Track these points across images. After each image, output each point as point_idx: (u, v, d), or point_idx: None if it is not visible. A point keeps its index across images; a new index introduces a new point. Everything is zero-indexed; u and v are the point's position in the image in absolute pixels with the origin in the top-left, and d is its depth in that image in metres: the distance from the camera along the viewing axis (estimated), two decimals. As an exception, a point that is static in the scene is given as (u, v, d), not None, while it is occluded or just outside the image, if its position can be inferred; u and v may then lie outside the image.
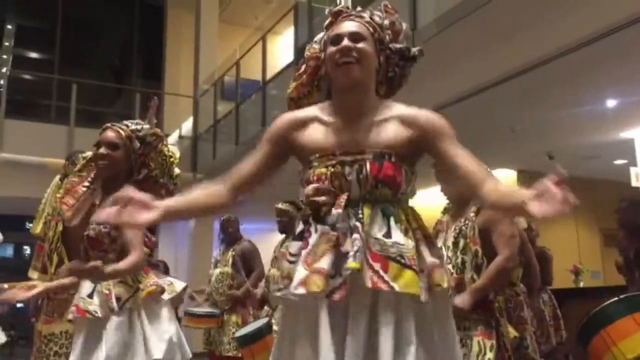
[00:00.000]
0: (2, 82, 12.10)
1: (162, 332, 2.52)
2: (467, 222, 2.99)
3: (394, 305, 1.56)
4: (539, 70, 4.97)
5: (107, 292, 2.48)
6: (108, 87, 13.82)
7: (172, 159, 2.89)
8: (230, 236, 5.52)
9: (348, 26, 1.74)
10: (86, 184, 2.83)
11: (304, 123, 1.78)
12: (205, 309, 5.39)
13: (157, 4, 13.54)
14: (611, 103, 5.91)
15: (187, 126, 12.26)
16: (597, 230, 9.07)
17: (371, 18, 1.79)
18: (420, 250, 1.64)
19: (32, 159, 9.64)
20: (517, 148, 7.48)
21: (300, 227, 1.72)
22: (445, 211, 3.23)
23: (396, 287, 1.54)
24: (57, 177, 3.28)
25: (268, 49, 9.19)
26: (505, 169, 8.59)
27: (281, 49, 9.51)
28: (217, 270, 5.41)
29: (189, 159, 11.32)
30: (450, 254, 2.96)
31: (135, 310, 2.50)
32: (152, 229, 2.80)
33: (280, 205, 4.84)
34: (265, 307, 4.89)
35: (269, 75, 8.97)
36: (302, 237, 1.68)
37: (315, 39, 1.93)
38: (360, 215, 1.61)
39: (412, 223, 1.68)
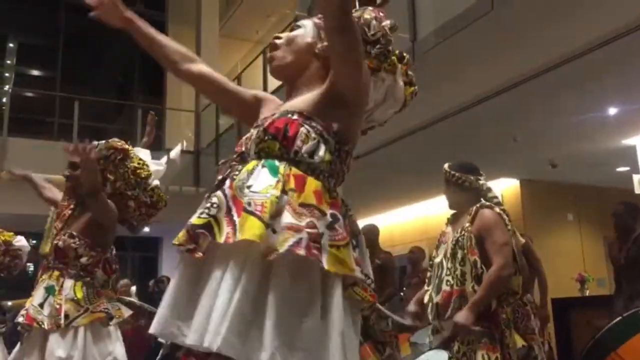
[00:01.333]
0: (4, 99, 12.14)
1: (106, 353, 2.58)
2: (463, 232, 2.97)
3: (241, 264, 1.41)
4: (540, 79, 4.97)
5: (57, 306, 2.54)
6: (110, 104, 13.86)
7: (138, 171, 2.89)
8: None
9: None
10: (72, 206, 2.90)
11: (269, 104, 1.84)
12: None
13: (158, 20, 13.61)
14: (613, 111, 5.90)
15: (189, 141, 12.29)
16: (601, 237, 9.02)
17: (311, 19, 1.86)
18: (284, 209, 1.45)
19: (34, 176, 9.66)
20: (519, 157, 7.47)
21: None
22: (449, 221, 3.23)
23: (238, 236, 1.41)
24: (61, 195, 3.32)
25: (267, 63, 9.22)
26: (508, 178, 8.58)
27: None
28: None
29: (191, 173, 11.34)
30: (449, 265, 2.95)
31: (80, 328, 2.55)
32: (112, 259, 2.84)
33: None
34: None
35: (270, 88, 9.00)
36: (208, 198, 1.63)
37: None
38: (237, 171, 1.55)
39: (291, 183, 1.50)
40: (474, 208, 3.02)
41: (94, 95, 13.15)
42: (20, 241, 4.95)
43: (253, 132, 1.63)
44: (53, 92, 12.33)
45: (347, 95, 1.60)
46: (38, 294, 2.60)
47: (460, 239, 2.97)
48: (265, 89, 9.00)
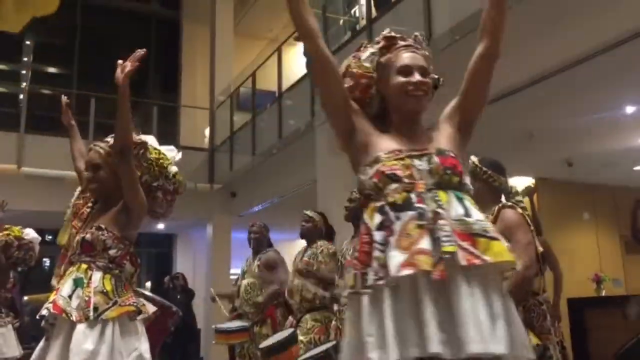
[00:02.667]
0: (21, 97, 12.26)
1: (132, 348, 2.55)
2: None
3: (483, 280, 1.66)
4: (557, 78, 4.94)
5: (86, 298, 2.51)
6: (125, 101, 13.93)
7: (160, 161, 2.90)
8: (255, 244, 5.41)
9: (415, 60, 1.98)
10: (90, 204, 2.92)
11: (363, 121, 1.96)
12: (236, 324, 5.22)
13: (173, 19, 13.67)
14: (630, 109, 5.86)
15: (206, 137, 12.34)
16: (617, 237, 8.96)
17: (424, 49, 2.05)
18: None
19: (51, 173, 9.76)
20: (535, 155, 7.42)
21: (378, 218, 1.77)
22: None
23: (488, 259, 1.65)
24: (79, 188, 3.32)
25: (283, 60, 9.23)
26: (523, 177, 8.53)
27: (296, 60, 9.55)
28: (245, 282, 5.31)
29: (206, 171, 11.38)
30: None
31: (109, 322, 2.52)
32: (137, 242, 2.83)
33: (307, 212, 4.93)
34: (290, 318, 4.85)
35: (284, 86, 9.01)
36: (384, 226, 1.74)
37: (362, 57, 2.03)
38: (440, 201, 1.74)
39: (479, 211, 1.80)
40: (497, 207, 3.02)
41: (109, 92, 13.20)
42: (30, 234, 5.04)
43: (415, 162, 1.81)
44: (69, 90, 12.42)
45: (473, 126, 2.05)
46: (66, 286, 2.57)
47: None
48: (279, 87, 9.02)
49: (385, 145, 1.87)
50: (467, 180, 1.85)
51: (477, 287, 1.64)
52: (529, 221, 3.00)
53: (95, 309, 2.50)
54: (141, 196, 2.69)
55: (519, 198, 3.15)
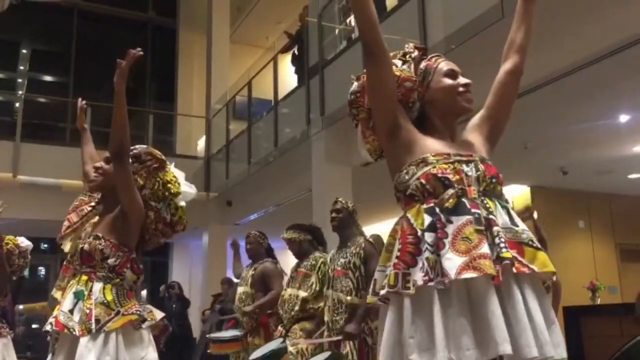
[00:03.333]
0: (17, 105, 12.25)
1: (137, 358, 2.50)
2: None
3: (532, 286, 1.72)
4: (551, 87, 4.96)
5: (87, 311, 2.46)
6: (122, 109, 13.94)
7: (169, 185, 2.78)
8: (249, 254, 5.39)
9: (454, 66, 2.06)
10: (93, 204, 2.86)
11: (407, 120, 1.97)
12: (229, 333, 5.24)
13: (170, 27, 13.71)
14: (625, 118, 5.89)
15: (200, 146, 12.34)
16: (613, 245, 8.98)
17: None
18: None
19: (47, 181, 9.75)
20: (530, 164, 7.45)
21: (427, 219, 1.76)
22: None
23: (536, 268, 1.70)
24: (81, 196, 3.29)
25: (279, 69, 9.26)
26: (518, 185, 8.56)
27: (292, 69, 9.58)
28: (240, 290, 5.30)
29: (202, 179, 11.38)
30: None
31: (112, 333, 2.47)
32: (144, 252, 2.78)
33: (285, 235, 4.82)
34: (279, 328, 4.84)
35: (280, 94, 9.03)
36: (435, 228, 1.74)
37: (399, 64, 2.06)
38: (490, 208, 1.77)
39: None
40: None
41: (105, 101, 13.23)
42: (24, 241, 5.06)
43: (463, 167, 1.83)
44: (66, 98, 12.42)
45: (495, 137, 2.08)
46: (67, 300, 2.52)
47: None
48: (275, 95, 9.04)
49: (433, 147, 1.88)
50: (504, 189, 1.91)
51: (530, 294, 1.70)
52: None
53: (97, 321, 2.45)
54: (138, 201, 2.62)
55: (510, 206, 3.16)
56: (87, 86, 13.37)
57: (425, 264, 1.69)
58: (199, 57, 12.69)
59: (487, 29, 4.88)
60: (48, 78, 14.74)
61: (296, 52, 8.90)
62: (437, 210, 1.76)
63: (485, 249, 1.66)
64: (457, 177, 1.80)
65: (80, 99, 3.46)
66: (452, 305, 1.65)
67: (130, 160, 2.67)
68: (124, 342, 2.48)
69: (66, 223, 2.80)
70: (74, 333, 2.42)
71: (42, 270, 14.10)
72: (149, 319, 2.59)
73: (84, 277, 2.57)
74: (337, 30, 8.31)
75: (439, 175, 1.80)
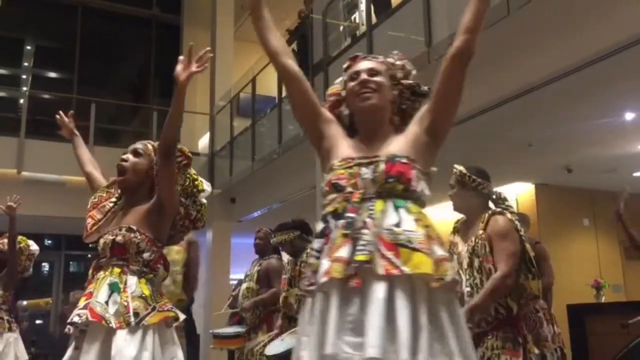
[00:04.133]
0: (22, 101, 12.27)
1: (170, 356, 2.47)
2: (478, 240, 2.98)
3: (409, 291, 1.68)
4: (556, 84, 4.94)
5: (125, 304, 2.41)
6: (126, 106, 13.96)
7: (196, 182, 2.82)
8: (257, 249, 5.39)
9: (365, 64, 2.02)
10: (113, 199, 2.79)
11: (334, 129, 2.03)
12: (233, 329, 5.24)
13: (174, 23, 13.70)
14: (630, 116, 5.87)
15: (203, 143, 12.34)
16: (617, 243, 8.95)
17: (385, 58, 2.06)
18: (430, 242, 1.75)
19: (51, 178, 9.76)
20: (534, 162, 7.43)
21: (320, 225, 1.86)
22: (455, 230, 3.23)
23: (406, 269, 1.67)
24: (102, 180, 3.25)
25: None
26: (523, 183, 8.54)
27: (296, 66, 9.55)
28: (244, 286, 5.29)
29: (205, 176, 11.36)
30: (467, 276, 2.96)
31: (149, 328, 2.42)
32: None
33: (275, 240, 4.93)
34: (279, 321, 4.83)
35: (284, 91, 9.02)
36: (324, 234, 1.83)
37: (337, 80, 2.17)
38: (372, 210, 1.77)
39: (424, 220, 1.80)
40: (487, 214, 3.03)
41: (109, 97, 13.25)
42: (34, 245, 5.13)
43: (361, 170, 1.84)
44: (70, 94, 12.43)
45: (440, 137, 1.95)
46: (102, 291, 2.43)
47: (475, 247, 2.97)
48: (279, 92, 9.03)
49: (342, 153, 1.94)
50: (420, 186, 1.85)
51: (401, 296, 1.67)
52: (518, 227, 3.00)
53: (136, 314, 2.39)
54: (176, 197, 2.63)
55: (508, 203, 3.16)
56: (91, 83, 13.39)
57: (309, 270, 1.82)
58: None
59: (492, 26, 4.87)
60: (52, 75, 14.77)
61: (295, 48, 8.87)
62: (329, 217, 1.84)
63: (342, 252, 1.73)
64: (353, 181, 1.84)
65: (66, 115, 3.40)
66: (327, 307, 1.73)
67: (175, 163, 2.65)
68: (159, 339, 2.44)
69: (90, 221, 2.71)
70: (110, 325, 2.35)
71: (45, 267, 14.14)
72: (180, 318, 2.56)
73: (117, 270, 2.50)
74: (341, 27, 8.30)
75: (334, 181, 1.87)
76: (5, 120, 12.14)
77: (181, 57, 2.58)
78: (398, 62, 2.07)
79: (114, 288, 2.44)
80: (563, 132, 6.28)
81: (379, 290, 1.66)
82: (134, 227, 2.53)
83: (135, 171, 2.68)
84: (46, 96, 13.08)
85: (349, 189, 1.83)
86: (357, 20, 7.97)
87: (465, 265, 2.98)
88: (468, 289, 2.93)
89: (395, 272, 1.67)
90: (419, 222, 1.78)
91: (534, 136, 6.42)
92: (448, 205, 3.29)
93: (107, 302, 2.41)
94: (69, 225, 11.16)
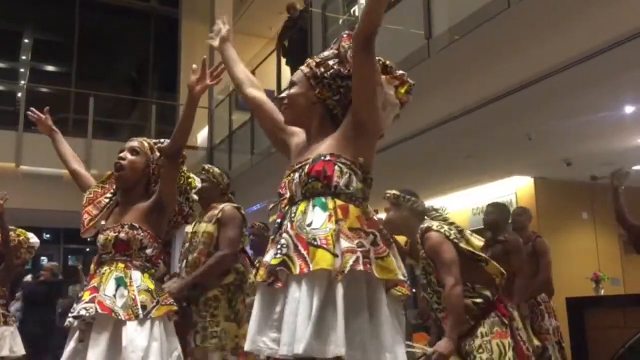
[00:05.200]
0: (20, 95, 12.25)
1: (173, 347, 2.58)
2: (422, 261, 3.11)
3: (316, 285, 1.75)
4: (555, 77, 4.93)
5: (132, 297, 2.50)
6: (124, 99, 13.93)
7: (189, 179, 2.90)
8: (253, 245, 5.38)
9: (293, 76, 2.12)
10: (109, 195, 2.84)
11: (295, 141, 2.13)
12: None
13: (172, 16, 13.66)
14: (629, 109, 5.85)
15: (202, 136, 12.32)
16: (616, 236, 8.95)
17: (312, 59, 2.09)
18: (339, 237, 1.80)
19: (50, 171, 9.75)
20: (534, 155, 7.41)
21: (271, 232, 2.01)
22: (407, 253, 3.50)
23: (312, 267, 1.75)
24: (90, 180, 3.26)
25: (282, 59, 9.22)
26: (522, 176, 8.53)
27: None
28: None
29: (204, 170, 11.36)
30: (430, 295, 3.11)
31: (155, 320, 2.52)
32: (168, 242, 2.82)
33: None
34: None
35: (283, 84, 9.00)
36: (273, 240, 1.95)
37: None
38: (294, 213, 1.88)
39: (339, 214, 1.84)
40: (419, 232, 3.13)
41: (108, 91, 13.22)
42: (34, 238, 5.12)
43: (294, 176, 1.95)
44: (68, 88, 12.41)
45: (367, 124, 1.93)
46: (109, 285, 2.51)
47: (425, 267, 3.10)
48: (279, 84, 9.02)
49: (290, 162, 2.06)
50: (345, 179, 1.88)
51: (309, 294, 1.75)
52: (447, 234, 3.05)
53: (143, 307, 2.49)
54: (175, 196, 2.74)
55: (440, 212, 3.27)
56: (89, 76, 13.36)
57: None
58: (201, 47, 12.59)
59: (492, 19, 4.85)
60: (50, 68, 14.74)
61: (286, 44, 8.85)
62: (275, 223, 1.97)
63: (266, 257, 1.89)
64: (289, 187, 1.97)
65: (45, 110, 3.35)
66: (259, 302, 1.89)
67: (158, 154, 2.75)
68: (164, 331, 2.55)
69: (86, 216, 2.77)
70: (119, 317, 2.43)
71: (44, 260, 14.15)
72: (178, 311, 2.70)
73: (121, 265, 2.59)
74: (340, 20, 8.28)
75: (277, 190, 2.01)
76: (4, 114, 12.13)
77: (194, 66, 2.66)
78: (329, 52, 2.09)
79: (120, 282, 2.53)
80: (562, 126, 6.27)
81: (294, 290, 1.76)
82: (136, 225, 2.63)
83: (132, 169, 2.74)
84: (44, 90, 13.06)
85: (287, 196, 1.95)
86: (357, 14, 7.95)
87: (428, 289, 3.12)
88: (436, 305, 3.06)
89: (306, 270, 1.75)
90: (332, 217, 1.83)
91: (534, 130, 6.41)
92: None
93: (114, 296, 2.49)
94: (68, 218, 11.17)
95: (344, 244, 1.78)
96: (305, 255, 1.77)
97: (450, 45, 5.32)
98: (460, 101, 5.60)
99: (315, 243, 1.77)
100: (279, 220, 1.91)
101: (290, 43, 8.92)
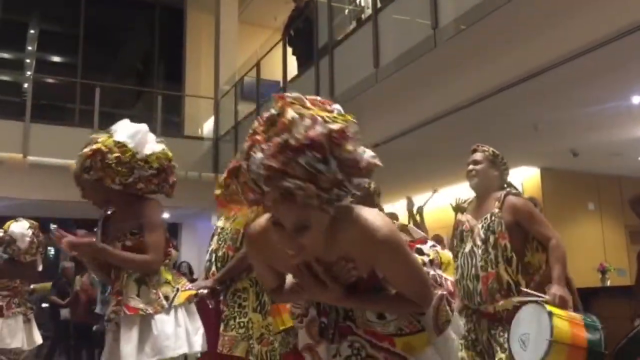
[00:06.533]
0: (26, 86, 12.27)
1: (197, 327, 2.83)
2: (493, 218, 3.11)
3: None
4: (562, 68, 4.91)
5: (154, 291, 2.75)
6: (130, 90, 13.94)
7: (123, 157, 2.80)
8: None
9: (289, 216, 1.48)
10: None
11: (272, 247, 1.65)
12: None
13: (177, 7, 13.64)
14: (636, 100, 5.82)
15: (208, 127, 12.33)
16: (622, 227, 8.94)
17: (316, 185, 1.43)
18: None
19: (57, 162, 9.77)
20: (540, 146, 7.40)
21: None
22: (459, 209, 3.39)
23: (406, 355, 1.69)
24: None
25: (288, 50, 9.20)
26: (528, 167, 8.51)
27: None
28: None
29: (210, 160, 11.39)
30: (481, 251, 3.09)
31: (178, 307, 2.78)
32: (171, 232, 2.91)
33: None
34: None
35: (289, 75, 8.98)
36: None
37: None
38: (342, 310, 1.74)
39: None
40: (502, 194, 3.18)
41: (114, 81, 13.23)
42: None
43: None
44: (74, 79, 12.42)
45: None
46: (130, 287, 2.75)
47: (491, 224, 3.11)
48: (284, 77, 9.00)
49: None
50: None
51: None
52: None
53: (166, 298, 2.75)
54: (158, 213, 2.87)
55: (517, 190, 3.36)
56: (95, 67, 13.36)
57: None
58: (207, 37, 12.62)
59: (497, 10, 4.83)
60: (56, 59, 14.74)
61: (292, 33, 8.82)
62: None
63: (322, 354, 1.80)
64: None
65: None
66: None
67: (96, 169, 2.77)
68: (187, 315, 2.82)
69: None
70: (148, 313, 2.69)
71: (51, 250, 14.21)
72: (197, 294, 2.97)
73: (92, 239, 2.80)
74: (346, 11, 8.25)
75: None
76: (10, 105, 12.14)
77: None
78: (328, 175, 1.43)
79: (140, 282, 2.76)
80: (569, 116, 6.25)
81: None
82: (136, 230, 2.79)
83: (92, 192, 2.89)
84: (50, 80, 13.07)
85: None
86: (363, 4, 7.92)
87: (478, 242, 3.12)
88: (482, 263, 3.07)
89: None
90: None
91: (540, 120, 6.39)
92: (467, 185, 3.37)
93: (137, 295, 2.73)
94: (76, 209, 11.20)
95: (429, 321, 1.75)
96: (388, 346, 1.69)
97: (457, 35, 5.30)
98: (466, 91, 5.58)
99: (403, 332, 1.70)
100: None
101: (296, 33, 8.89)
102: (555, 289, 2.89)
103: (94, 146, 2.81)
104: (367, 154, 1.54)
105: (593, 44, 4.56)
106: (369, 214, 1.59)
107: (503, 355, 2.92)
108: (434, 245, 1.91)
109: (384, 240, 1.54)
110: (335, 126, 1.44)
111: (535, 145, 7.32)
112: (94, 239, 2.72)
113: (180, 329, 2.74)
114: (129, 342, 2.65)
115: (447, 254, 1.95)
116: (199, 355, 2.92)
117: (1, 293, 4.88)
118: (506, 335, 2.92)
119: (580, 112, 6.10)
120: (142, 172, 2.82)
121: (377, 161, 1.57)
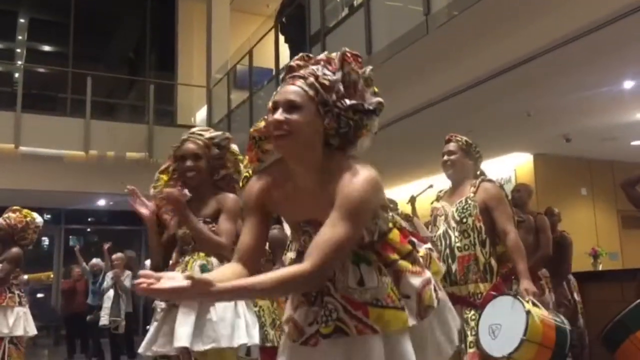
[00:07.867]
0: (17, 75, 12.19)
1: (255, 320, 2.92)
2: (468, 201, 3.23)
3: (371, 344, 1.66)
4: (554, 53, 4.92)
5: None
6: (121, 79, 13.87)
7: (239, 156, 3.04)
8: None
9: (286, 93, 1.68)
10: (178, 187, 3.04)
11: (269, 189, 1.79)
12: None
13: (170, -6, 13.56)
14: (629, 84, 5.84)
15: (201, 116, 12.30)
16: (615, 211, 8.99)
17: (317, 79, 1.68)
18: (401, 279, 1.72)
19: (49, 152, 9.75)
20: (533, 132, 7.42)
21: None
22: (440, 198, 3.50)
23: (378, 328, 1.65)
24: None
25: (280, 37, 9.17)
26: (521, 153, 8.54)
27: (293, 37, 9.46)
28: None
29: (203, 149, 11.35)
30: (456, 233, 3.20)
31: None
32: None
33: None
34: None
35: (281, 63, 8.96)
36: None
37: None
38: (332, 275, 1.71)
39: (386, 258, 1.73)
40: (478, 180, 3.30)
41: (105, 71, 13.15)
42: (38, 218, 5.16)
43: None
44: (65, 68, 12.35)
45: None
46: (195, 272, 2.78)
47: (465, 206, 3.22)
48: (276, 64, 8.98)
49: (287, 214, 1.91)
50: (372, 236, 1.74)
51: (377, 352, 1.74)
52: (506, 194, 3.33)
53: None
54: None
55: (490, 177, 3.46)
56: (86, 56, 13.28)
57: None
58: (198, 25, 12.55)
59: (490, -6, 4.82)
60: (47, 48, 14.64)
61: (284, 20, 8.79)
62: None
63: (297, 317, 1.79)
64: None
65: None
66: None
67: (217, 150, 2.95)
68: (246, 306, 2.92)
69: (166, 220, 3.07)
70: None
71: (45, 241, 14.18)
72: None
73: (202, 254, 2.91)
74: (338, -2, 8.21)
75: (299, 248, 1.90)
76: (1, 95, 12.07)
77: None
78: (336, 77, 1.69)
79: (204, 268, 2.84)
80: (561, 102, 6.26)
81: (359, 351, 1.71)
82: (209, 220, 2.89)
83: (199, 174, 2.94)
84: (42, 70, 12.99)
85: None
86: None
87: (453, 224, 3.23)
88: (459, 244, 3.18)
89: (369, 332, 1.71)
90: (382, 270, 1.75)
91: (533, 106, 6.40)
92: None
93: None
94: (68, 199, 11.16)
95: (413, 281, 1.73)
96: (361, 316, 1.65)
97: (449, 22, 5.29)
98: (459, 78, 5.58)
99: (380, 304, 1.67)
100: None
101: (288, 20, 8.86)
102: (527, 284, 2.98)
103: (229, 134, 3.05)
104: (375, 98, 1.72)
105: (585, 29, 4.56)
106: (363, 167, 1.67)
107: (472, 339, 3.00)
108: (431, 249, 1.90)
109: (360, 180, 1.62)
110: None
111: (528, 131, 7.34)
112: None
113: (239, 320, 2.80)
114: (184, 325, 2.71)
115: (439, 264, 1.92)
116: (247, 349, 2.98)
117: (14, 282, 4.88)
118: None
119: (573, 98, 6.11)
120: (238, 178, 3.00)
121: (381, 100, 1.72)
